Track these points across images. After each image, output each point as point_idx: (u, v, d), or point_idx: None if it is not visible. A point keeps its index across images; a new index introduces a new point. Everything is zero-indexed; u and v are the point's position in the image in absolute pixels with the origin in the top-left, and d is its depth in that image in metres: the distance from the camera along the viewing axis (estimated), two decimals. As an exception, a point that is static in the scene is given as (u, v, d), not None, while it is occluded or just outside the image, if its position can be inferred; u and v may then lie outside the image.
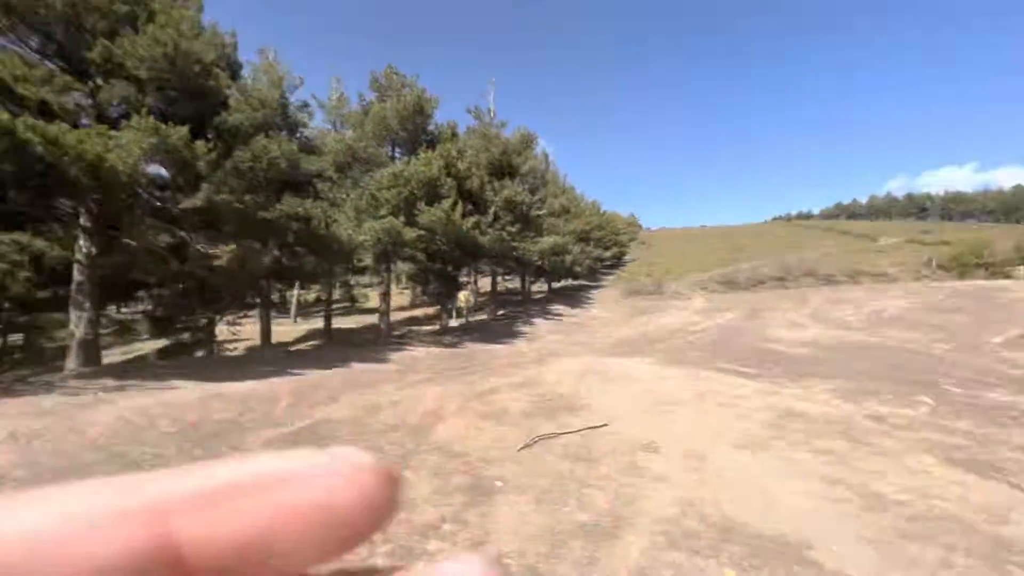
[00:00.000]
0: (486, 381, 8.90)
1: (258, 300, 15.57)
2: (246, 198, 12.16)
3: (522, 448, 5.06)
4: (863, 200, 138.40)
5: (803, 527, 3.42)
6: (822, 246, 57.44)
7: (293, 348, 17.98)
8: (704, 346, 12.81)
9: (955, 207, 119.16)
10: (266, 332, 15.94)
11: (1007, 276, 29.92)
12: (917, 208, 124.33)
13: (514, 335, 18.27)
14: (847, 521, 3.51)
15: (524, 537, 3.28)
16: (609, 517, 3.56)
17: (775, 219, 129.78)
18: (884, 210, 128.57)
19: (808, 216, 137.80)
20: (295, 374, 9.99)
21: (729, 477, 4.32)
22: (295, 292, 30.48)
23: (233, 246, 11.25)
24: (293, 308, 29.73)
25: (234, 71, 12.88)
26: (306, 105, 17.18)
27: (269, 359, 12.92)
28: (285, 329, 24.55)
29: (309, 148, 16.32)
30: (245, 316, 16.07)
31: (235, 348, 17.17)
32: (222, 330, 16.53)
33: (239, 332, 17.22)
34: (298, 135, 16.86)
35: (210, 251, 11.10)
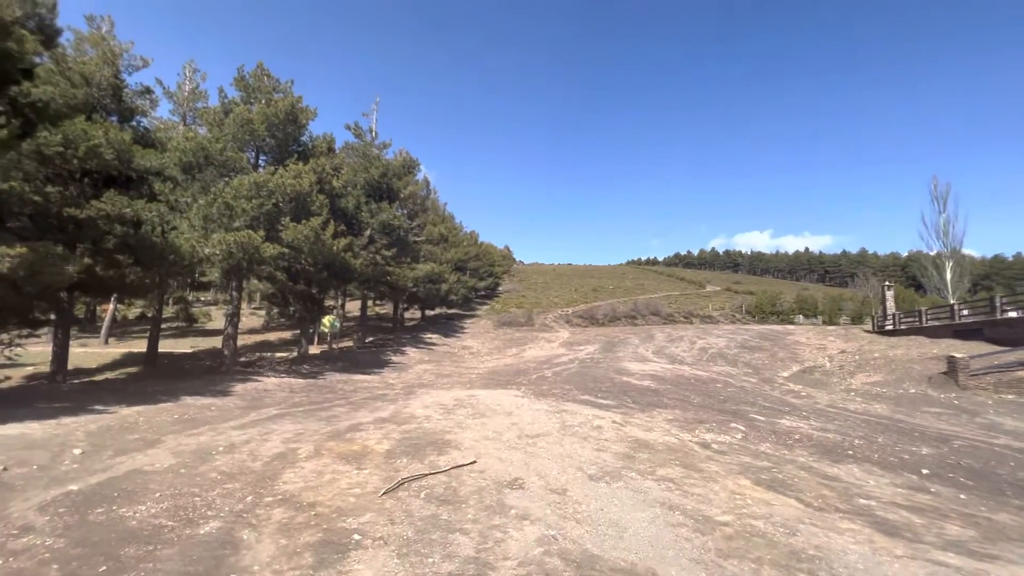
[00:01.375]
0: (348, 417, 8.23)
1: (52, 316, 12.34)
2: (48, 189, 9.85)
3: (384, 493, 4.72)
4: (695, 252, 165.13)
5: (649, 555, 3.72)
6: (664, 289, 66.48)
7: (100, 377, 14.62)
8: (567, 378, 13.63)
9: (758, 264, 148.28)
10: (61, 357, 12.65)
11: (791, 322, 37.85)
12: (732, 263, 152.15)
13: (382, 365, 17.38)
14: (683, 545, 3.91)
15: (381, 599, 3.00)
16: (474, 564, 3.46)
17: (629, 262, 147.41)
18: (709, 262, 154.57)
19: (654, 262, 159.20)
20: (98, 411, 8.09)
21: (587, 510, 4.55)
22: (110, 307, 25.08)
23: (21, 248, 8.85)
24: (105, 326, 24.33)
25: (48, 37, 10.54)
26: (148, 91, 14.76)
27: (61, 392, 10.31)
28: (91, 352, 19.92)
29: (147, 141, 13.93)
30: (31, 335, 12.54)
31: (7, 378, 13.29)
32: (-10, 353, 12.72)
33: (19, 356, 13.39)
34: (135, 123, 14.31)
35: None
